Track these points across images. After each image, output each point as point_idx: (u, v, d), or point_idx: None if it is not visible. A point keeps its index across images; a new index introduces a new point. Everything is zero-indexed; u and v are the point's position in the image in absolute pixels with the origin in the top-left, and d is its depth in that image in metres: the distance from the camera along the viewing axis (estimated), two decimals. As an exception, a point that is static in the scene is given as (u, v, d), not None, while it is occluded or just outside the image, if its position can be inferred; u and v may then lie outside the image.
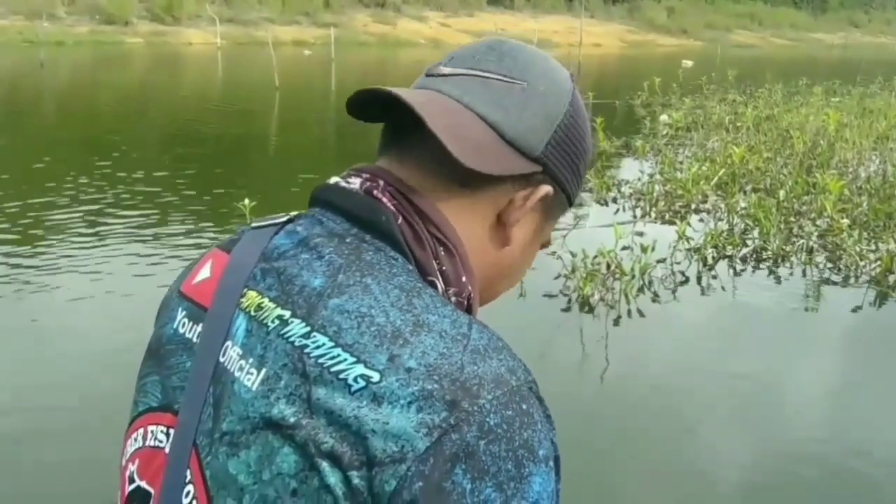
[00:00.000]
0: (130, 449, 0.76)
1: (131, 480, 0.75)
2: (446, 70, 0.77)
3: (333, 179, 0.77)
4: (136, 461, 0.75)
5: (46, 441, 3.57)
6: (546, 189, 0.76)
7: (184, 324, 0.76)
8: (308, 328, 0.65)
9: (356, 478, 0.59)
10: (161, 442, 0.73)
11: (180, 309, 0.77)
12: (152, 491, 0.72)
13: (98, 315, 5.03)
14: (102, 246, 6.39)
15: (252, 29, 40.05)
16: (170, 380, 0.74)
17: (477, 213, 0.75)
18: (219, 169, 10.07)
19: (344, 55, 28.57)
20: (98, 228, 6.88)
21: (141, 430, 0.75)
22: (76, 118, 15.07)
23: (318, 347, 0.63)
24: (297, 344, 0.65)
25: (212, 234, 6.88)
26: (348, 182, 0.75)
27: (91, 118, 15.08)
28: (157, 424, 0.74)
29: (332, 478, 0.59)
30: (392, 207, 0.71)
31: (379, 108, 0.75)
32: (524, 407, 0.62)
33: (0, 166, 9.75)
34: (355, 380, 0.61)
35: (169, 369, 0.75)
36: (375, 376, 0.60)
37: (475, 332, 0.65)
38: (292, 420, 0.62)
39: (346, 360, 0.62)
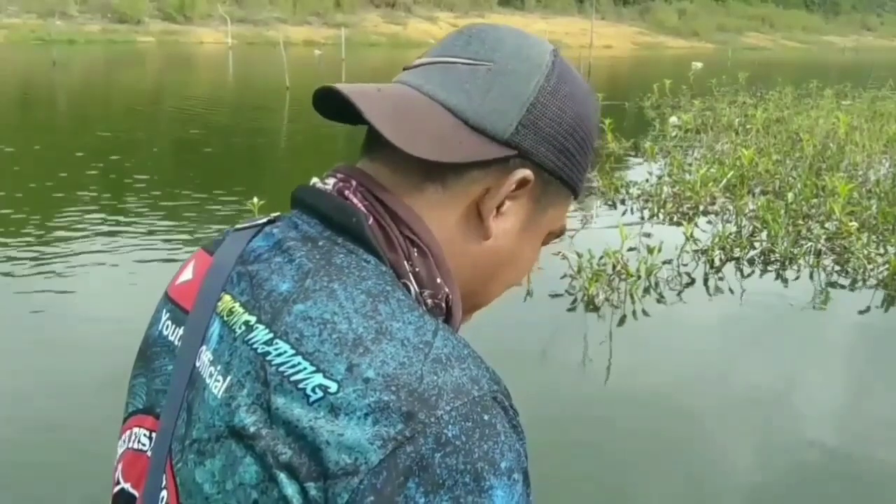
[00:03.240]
0: (119, 451, 0.77)
1: (117, 482, 0.75)
2: (417, 62, 0.75)
3: (313, 180, 0.75)
4: (122, 463, 0.75)
5: (57, 437, 3.61)
6: (522, 174, 0.71)
7: (167, 326, 0.76)
8: (271, 335, 0.63)
9: (313, 489, 0.57)
10: (144, 445, 0.72)
11: (165, 311, 0.77)
12: (136, 494, 0.72)
13: (103, 315, 5.06)
14: (110, 243, 6.42)
15: (263, 29, 40.25)
16: (153, 382, 0.74)
17: (451, 207, 0.71)
18: (229, 168, 10.12)
19: (354, 55, 28.64)
20: (107, 226, 6.92)
21: (128, 433, 0.76)
22: (88, 116, 15.15)
23: (279, 355, 0.62)
24: (259, 351, 0.63)
25: (219, 233, 6.90)
26: (325, 183, 0.73)
27: (102, 116, 15.16)
28: (141, 427, 0.74)
29: (290, 489, 0.58)
30: (363, 208, 0.69)
31: (347, 108, 0.70)
32: (486, 418, 0.59)
33: (10, 164, 9.82)
34: (313, 390, 0.59)
35: (153, 372, 0.75)
36: (333, 386, 0.59)
37: (439, 341, 0.62)
38: (252, 430, 0.60)
39: (305, 369, 0.60)
